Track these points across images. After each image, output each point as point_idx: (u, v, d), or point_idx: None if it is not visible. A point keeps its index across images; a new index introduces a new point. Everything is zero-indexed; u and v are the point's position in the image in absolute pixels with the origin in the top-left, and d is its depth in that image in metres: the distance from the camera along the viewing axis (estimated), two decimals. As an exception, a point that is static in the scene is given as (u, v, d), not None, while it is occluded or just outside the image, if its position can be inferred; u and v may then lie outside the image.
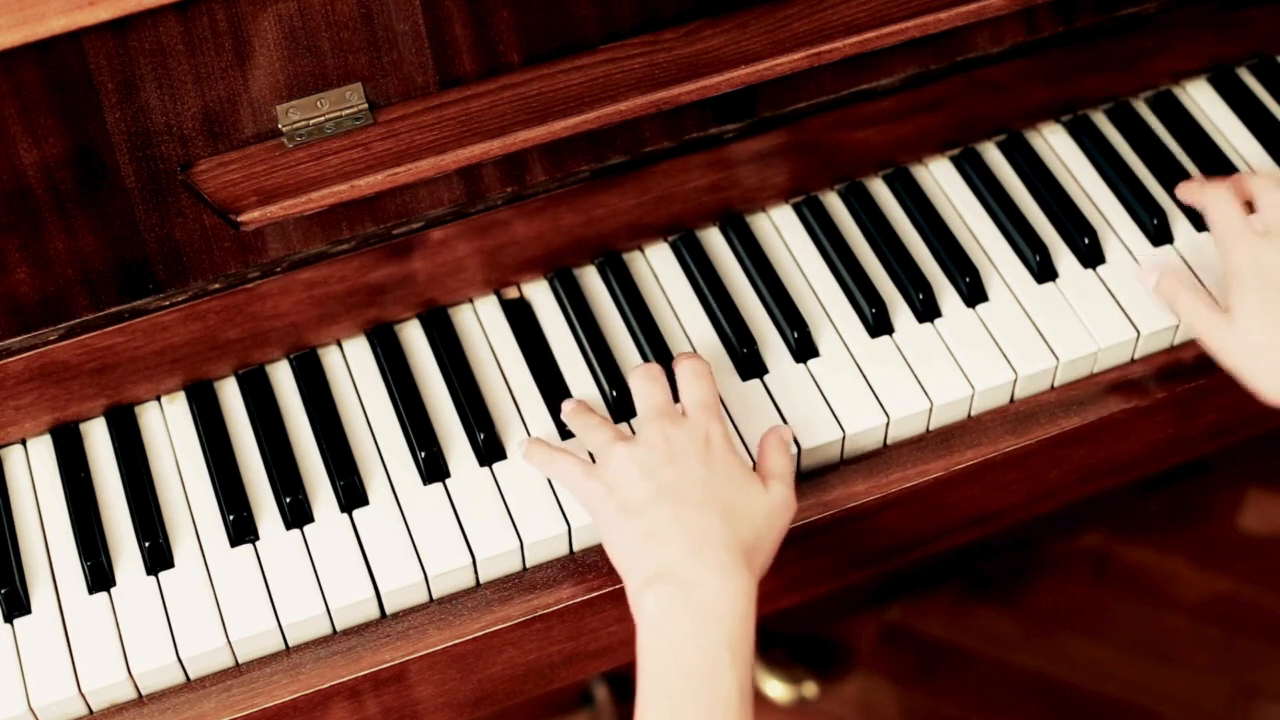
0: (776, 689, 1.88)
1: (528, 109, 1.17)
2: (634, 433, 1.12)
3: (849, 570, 1.24)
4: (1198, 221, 1.29)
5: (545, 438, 1.17)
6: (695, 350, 1.23)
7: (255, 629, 1.09)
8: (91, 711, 1.09)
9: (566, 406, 1.16)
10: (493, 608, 1.13)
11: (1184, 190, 1.27)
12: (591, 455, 1.13)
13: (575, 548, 1.15)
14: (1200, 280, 1.25)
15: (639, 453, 1.07)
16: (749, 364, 1.21)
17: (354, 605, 1.11)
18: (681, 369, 1.14)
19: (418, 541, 1.13)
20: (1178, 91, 1.39)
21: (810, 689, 1.88)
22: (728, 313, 1.24)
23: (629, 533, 1.05)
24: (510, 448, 1.17)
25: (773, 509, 1.07)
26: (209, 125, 1.11)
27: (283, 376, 1.22)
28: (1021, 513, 1.28)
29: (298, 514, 1.14)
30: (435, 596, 1.14)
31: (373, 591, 1.11)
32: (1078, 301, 1.25)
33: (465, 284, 1.24)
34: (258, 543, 1.13)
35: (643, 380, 1.13)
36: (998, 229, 1.30)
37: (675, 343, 1.23)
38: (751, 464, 1.14)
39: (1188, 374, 1.24)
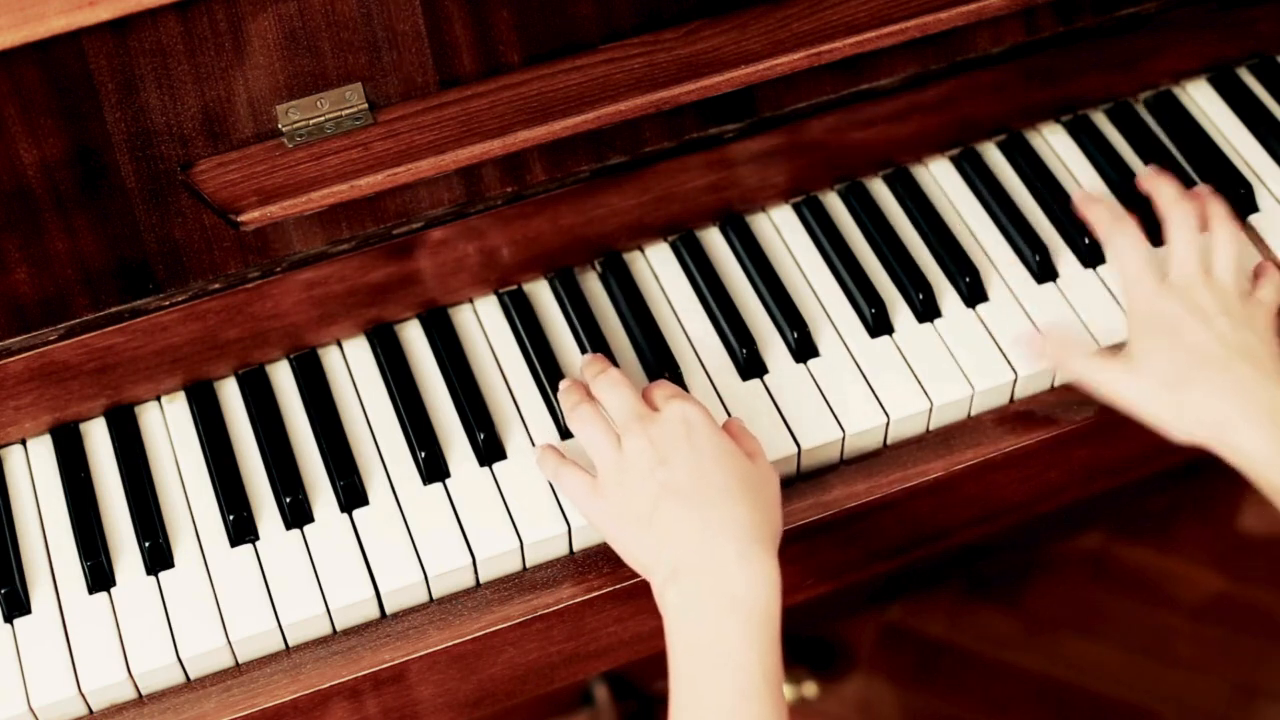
0: (776, 689, 1.88)
1: (528, 109, 1.17)
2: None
3: (849, 570, 1.24)
4: (1198, 221, 1.29)
5: (553, 443, 1.16)
6: (696, 350, 1.23)
7: (255, 629, 1.09)
8: (91, 711, 1.09)
9: (571, 406, 1.15)
10: (493, 608, 1.13)
11: (1088, 208, 1.22)
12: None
13: (575, 548, 1.15)
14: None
15: (630, 463, 1.07)
16: (749, 364, 1.21)
17: (354, 605, 1.11)
18: (651, 391, 1.13)
19: (418, 541, 1.13)
20: (1178, 91, 1.39)
21: (810, 689, 1.88)
22: (727, 313, 1.24)
23: (641, 541, 1.06)
24: (510, 448, 1.17)
25: (764, 478, 1.08)
26: (209, 125, 1.11)
27: (283, 376, 1.22)
28: (1022, 513, 1.28)
29: (298, 514, 1.14)
30: (435, 596, 1.14)
31: (373, 591, 1.11)
32: (1078, 301, 1.25)
33: (465, 284, 1.24)
34: (258, 543, 1.13)
35: (608, 389, 1.13)
36: (998, 229, 1.30)
37: (676, 342, 1.23)
38: None
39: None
